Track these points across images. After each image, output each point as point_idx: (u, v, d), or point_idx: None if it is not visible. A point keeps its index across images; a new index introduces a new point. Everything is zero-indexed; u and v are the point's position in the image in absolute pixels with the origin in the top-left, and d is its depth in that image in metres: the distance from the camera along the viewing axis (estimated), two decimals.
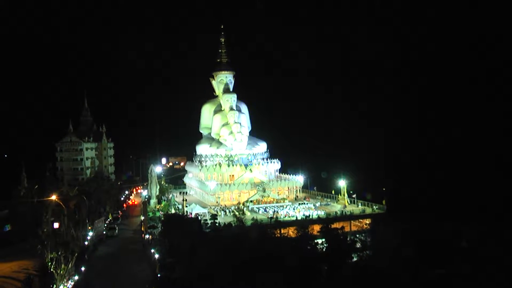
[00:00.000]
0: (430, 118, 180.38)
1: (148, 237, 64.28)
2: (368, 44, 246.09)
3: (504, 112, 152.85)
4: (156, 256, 51.58)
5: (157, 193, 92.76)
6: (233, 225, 56.51)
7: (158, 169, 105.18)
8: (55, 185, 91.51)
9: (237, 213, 72.37)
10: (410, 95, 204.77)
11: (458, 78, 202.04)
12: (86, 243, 60.40)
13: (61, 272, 42.10)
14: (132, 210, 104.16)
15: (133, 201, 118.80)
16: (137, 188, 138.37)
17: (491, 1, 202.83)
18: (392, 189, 79.51)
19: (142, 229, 72.98)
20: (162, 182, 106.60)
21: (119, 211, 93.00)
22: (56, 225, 54.74)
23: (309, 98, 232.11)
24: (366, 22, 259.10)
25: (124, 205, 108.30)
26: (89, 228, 66.95)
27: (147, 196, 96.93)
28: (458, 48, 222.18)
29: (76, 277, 45.33)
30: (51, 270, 41.55)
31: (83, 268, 49.74)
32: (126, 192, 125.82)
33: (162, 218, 70.44)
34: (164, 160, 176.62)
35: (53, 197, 62.63)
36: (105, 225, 76.24)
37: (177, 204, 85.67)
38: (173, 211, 79.69)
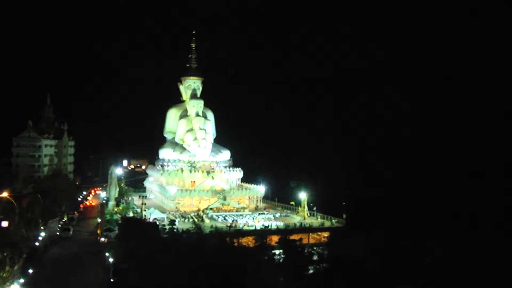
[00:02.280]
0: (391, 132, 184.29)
1: (104, 240, 62.13)
2: (336, 52, 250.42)
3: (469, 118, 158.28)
4: (111, 260, 49.73)
5: (116, 195, 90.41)
6: (191, 231, 55.43)
7: (118, 171, 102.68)
8: (8, 181, 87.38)
9: (196, 219, 71.24)
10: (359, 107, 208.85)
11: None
12: (36, 243, 57.62)
13: (5, 274, 39.65)
14: (89, 211, 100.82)
15: (90, 202, 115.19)
16: (95, 189, 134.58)
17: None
18: (353, 204, 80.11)
19: (98, 231, 70.61)
20: (122, 185, 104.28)
21: (76, 212, 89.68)
22: (4, 223, 51.89)
23: (275, 108, 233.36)
24: (340, 25, 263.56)
25: (81, 206, 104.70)
26: (42, 228, 64.04)
27: (105, 198, 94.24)
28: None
29: (22, 280, 42.79)
30: None
31: (30, 271, 47.19)
32: (84, 193, 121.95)
33: (120, 221, 68.54)
34: (125, 162, 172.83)
35: (4, 194, 59.62)
36: (59, 225, 73.25)
37: (135, 207, 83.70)
38: (131, 214, 77.72)
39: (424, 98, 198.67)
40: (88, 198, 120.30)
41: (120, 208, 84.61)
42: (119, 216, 76.62)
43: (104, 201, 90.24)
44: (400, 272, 37.47)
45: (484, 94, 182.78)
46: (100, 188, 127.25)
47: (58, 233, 69.28)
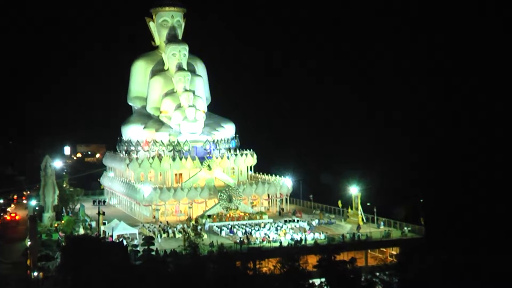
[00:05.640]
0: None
1: (38, 275, 63.22)
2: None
3: None
4: None
5: (56, 203, 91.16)
6: (180, 253, 56.14)
7: (57, 164, 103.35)
8: None
9: (191, 234, 71.68)
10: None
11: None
12: None
13: None
14: (11, 230, 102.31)
15: (12, 215, 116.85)
16: (23, 193, 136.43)
17: None
18: (434, 203, 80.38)
19: (28, 262, 71.79)
20: (64, 185, 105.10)
21: None
22: None
23: (304, 59, 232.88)
24: None
25: None
26: None
27: (37, 207, 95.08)
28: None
29: None
30: None
31: None
32: (1, 201, 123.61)
33: (63, 244, 69.18)
34: (68, 150, 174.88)
35: None
36: None
37: (88, 220, 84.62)
38: (81, 231, 78.61)
39: None
40: (8, 209, 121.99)
41: (62, 222, 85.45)
42: (62, 235, 77.45)
43: (36, 213, 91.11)
44: None
45: None
46: (28, 192, 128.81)
47: None
